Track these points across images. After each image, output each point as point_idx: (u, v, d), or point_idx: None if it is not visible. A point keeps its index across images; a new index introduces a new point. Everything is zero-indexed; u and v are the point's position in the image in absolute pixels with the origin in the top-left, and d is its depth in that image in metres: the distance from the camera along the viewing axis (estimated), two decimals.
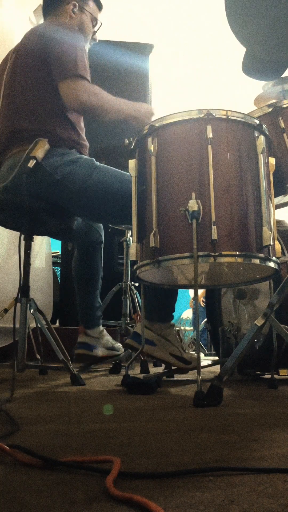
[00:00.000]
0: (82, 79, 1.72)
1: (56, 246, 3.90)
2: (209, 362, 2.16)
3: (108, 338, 2.20)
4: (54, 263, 3.90)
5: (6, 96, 1.84)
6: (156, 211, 1.36)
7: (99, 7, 2.03)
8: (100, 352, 2.15)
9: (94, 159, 1.80)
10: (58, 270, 3.68)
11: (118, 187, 1.72)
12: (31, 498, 0.53)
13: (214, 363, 2.09)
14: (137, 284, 2.67)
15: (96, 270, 2.14)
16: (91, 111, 1.75)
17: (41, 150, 1.65)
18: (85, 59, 1.77)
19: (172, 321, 1.85)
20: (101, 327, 2.18)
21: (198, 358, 1.25)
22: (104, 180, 1.74)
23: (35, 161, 1.62)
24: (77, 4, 1.95)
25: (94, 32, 2.03)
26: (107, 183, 1.73)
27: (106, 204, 1.75)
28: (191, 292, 6.42)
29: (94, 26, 2.01)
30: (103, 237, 2.17)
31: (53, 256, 4.00)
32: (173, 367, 1.79)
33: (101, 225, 2.17)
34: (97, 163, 1.77)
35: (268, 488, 0.56)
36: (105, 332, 2.20)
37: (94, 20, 2.00)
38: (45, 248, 3.48)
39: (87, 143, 1.92)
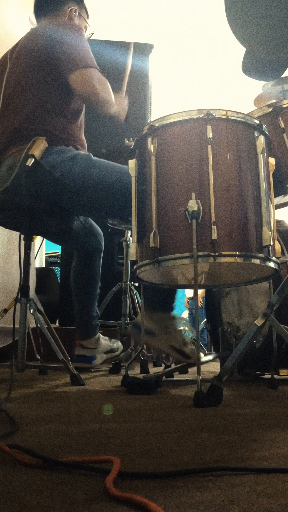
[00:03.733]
0: (95, 69, 1.74)
1: (56, 246, 3.90)
2: (210, 358, 2.16)
3: (105, 342, 2.21)
4: (54, 263, 3.90)
5: (6, 96, 1.84)
6: (156, 211, 1.36)
7: (87, 15, 2.07)
8: (98, 360, 2.16)
9: (91, 154, 1.80)
10: (58, 270, 3.68)
11: (116, 180, 1.72)
12: (31, 498, 0.53)
13: (214, 357, 2.09)
14: (137, 284, 2.67)
15: (94, 278, 2.14)
16: (101, 101, 1.75)
17: (39, 148, 1.65)
18: (93, 56, 1.79)
19: (174, 313, 1.83)
20: (97, 335, 2.18)
21: (198, 358, 1.25)
22: (103, 174, 1.74)
23: (33, 159, 1.62)
24: (77, 10, 1.97)
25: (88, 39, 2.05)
26: (106, 177, 1.74)
27: (105, 198, 1.75)
28: (187, 292, 6.41)
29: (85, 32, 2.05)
30: (103, 246, 2.17)
31: (53, 256, 4.00)
32: (172, 362, 1.79)
33: (101, 233, 2.17)
34: (94, 158, 1.78)
35: (268, 488, 0.56)
36: (101, 337, 2.20)
37: (85, 28, 2.04)
38: (44, 248, 3.48)
39: (85, 143, 1.92)
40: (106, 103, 1.77)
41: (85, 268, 2.13)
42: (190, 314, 7.40)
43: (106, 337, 2.27)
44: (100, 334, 2.21)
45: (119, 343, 2.31)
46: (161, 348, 1.77)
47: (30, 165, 1.61)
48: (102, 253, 2.17)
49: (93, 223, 2.14)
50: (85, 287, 2.15)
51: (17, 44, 1.92)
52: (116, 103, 1.87)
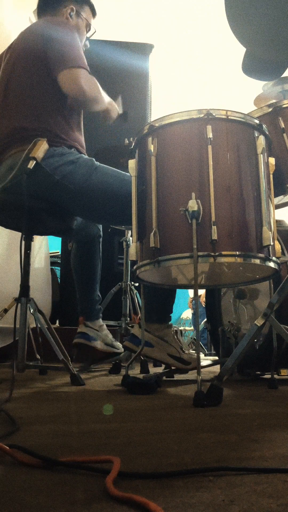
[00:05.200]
0: (83, 69, 1.74)
1: (56, 246, 3.90)
2: (209, 362, 2.16)
3: (108, 334, 2.20)
4: (54, 263, 3.90)
5: (4, 96, 1.84)
6: (156, 211, 1.36)
7: (94, 13, 2.06)
8: (99, 345, 2.14)
9: (94, 159, 1.80)
10: (58, 270, 3.68)
11: (118, 187, 1.72)
12: (31, 498, 0.53)
13: (214, 363, 2.09)
14: (137, 284, 2.67)
15: (95, 264, 2.15)
16: (88, 100, 1.75)
17: (40, 150, 1.65)
18: (83, 55, 1.78)
19: (170, 322, 1.85)
20: (101, 321, 2.18)
21: (198, 358, 1.25)
22: (104, 181, 1.74)
23: (35, 161, 1.62)
24: (74, 9, 1.97)
25: (87, 38, 2.04)
26: (107, 184, 1.73)
27: (106, 204, 1.75)
28: (190, 292, 6.42)
29: (87, 31, 2.03)
30: (101, 232, 2.17)
31: (53, 256, 4.00)
32: (172, 367, 1.79)
33: None
34: (97, 163, 1.77)
35: (268, 488, 0.56)
36: (105, 327, 2.19)
37: (88, 26, 2.03)
38: (44, 248, 3.48)
39: (84, 145, 1.92)
40: (94, 102, 1.77)
41: (85, 254, 2.15)
42: (194, 314, 7.41)
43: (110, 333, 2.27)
44: (104, 324, 2.21)
45: (120, 345, 2.31)
46: (159, 358, 1.77)
47: (31, 168, 1.61)
48: (101, 238, 2.18)
49: None
50: (86, 273, 2.15)
51: (12, 43, 1.92)
52: (108, 102, 1.88)
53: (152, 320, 1.77)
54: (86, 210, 1.82)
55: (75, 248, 2.18)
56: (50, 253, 4.02)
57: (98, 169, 1.75)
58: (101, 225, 2.18)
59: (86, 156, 1.83)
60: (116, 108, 1.94)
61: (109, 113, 1.91)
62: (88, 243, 2.13)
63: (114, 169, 1.79)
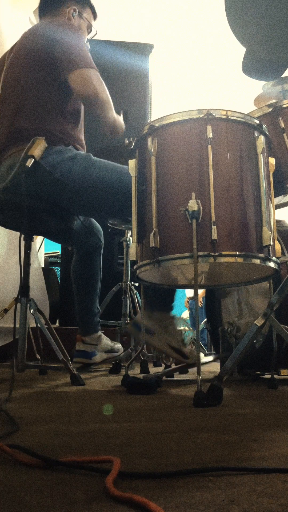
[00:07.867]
0: (94, 69, 1.75)
1: (56, 246, 3.90)
2: (210, 359, 2.16)
3: (106, 341, 2.20)
4: (54, 263, 3.90)
5: (5, 96, 1.84)
6: (156, 211, 1.36)
7: (94, 15, 2.06)
8: (98, 358, 2.16)
9: (90, 154, 1.80)
10: (58, 270, 3.69)
11: (116, 180, 1.72)
12: (31, 498, 0.53)
13: (214, 359, 2.09)
14: (137, 284, 2.66)
15: (95, 275, 2.14)
16: (100, 101, 1.74)
17: (38, 148, 1.65)
18: (91, 56, 1.79)
19: (174, 313, 1.84)
20: (98, 333, 2.18)
21: (198, 358, 1.25)
22: (103, 174, 1.74)
23: (33, 159, 1.62)
24: (76, 9, 1.97)
25: (88, 40, 2.04)
26: (106, 177, 1.74)
27: (105, 197, 1.75)
28: (187, 291, 6.41)
29: (88, 33, 2.04)
30: (102, 242, 2.16)
31: (53, 256, 4.00)
32: (172, 363, 1.78)
33: (101, 229, 2.16)
34: (95, 158, 1.78)
35: (268, 488, 0.56)
36: (103, 336, 2.20)
37: (89, 28, 2.03)
38: (43, 248, 3.48)
39: (84, 144, 1.92)
40: (105, 103, 1.77)
41: (85, 266, 2.13)
42: (191, 314, 7.40)
43: (108, 338, 2.27)
44: (102, 333, 2.21)
45: (120, 345, 2.31)
46: (159, 347, 1.76)
47: (29, 166, 1.61)
48: (102, 249, 2.17)
49: (93, 220, 2.13)
50: (86, 285, 2.15)
51: (15, 44, 1.92)
52: (116, 116, 1.87)
53: (154, 307, 1.76)
54: (86, 206, 1.82)
55: (75, 258, 2.17)
56: (50, 253, 4.03)
57: (96, 163, 1.76)
58: (102, 236, 2.16)
59: (83, 152, 1.83)
60: (122, 124, 1.91)
61: (117, 126, 1.87)
62: (88, 254, 2.12)
63: (112, 162, 1.79)
